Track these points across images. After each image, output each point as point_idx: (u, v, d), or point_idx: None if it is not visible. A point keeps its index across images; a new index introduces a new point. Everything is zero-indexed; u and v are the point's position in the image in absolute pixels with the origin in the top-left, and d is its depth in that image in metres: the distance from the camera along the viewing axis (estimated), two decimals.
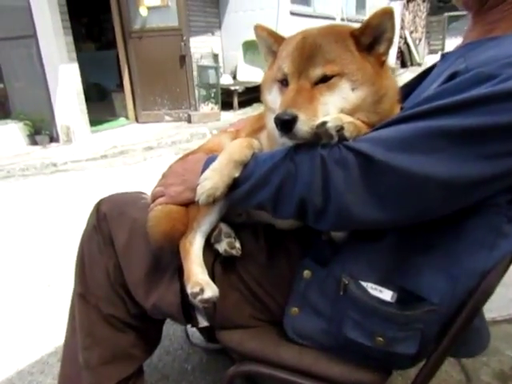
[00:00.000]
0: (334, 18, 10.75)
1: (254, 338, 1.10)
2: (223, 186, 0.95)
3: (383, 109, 0.91)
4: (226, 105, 7.82)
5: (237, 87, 7.92)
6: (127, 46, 6.95)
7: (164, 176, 1.23)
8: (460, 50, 0.99)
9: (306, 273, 1.02)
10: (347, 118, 0.85)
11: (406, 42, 12.76)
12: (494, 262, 0.84)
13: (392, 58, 11.41)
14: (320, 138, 0.84)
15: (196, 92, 7.22)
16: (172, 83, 7.03)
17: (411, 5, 12.85)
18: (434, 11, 17.44)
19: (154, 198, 1.19)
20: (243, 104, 8.25)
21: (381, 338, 0.91)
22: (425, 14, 14.08)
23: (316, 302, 1.01)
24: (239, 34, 8.55)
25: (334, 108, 0.87)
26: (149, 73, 6.95)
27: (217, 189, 0.94)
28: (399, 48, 12.29)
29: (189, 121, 6.95)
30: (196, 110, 7.15)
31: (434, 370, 0.94)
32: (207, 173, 0.97)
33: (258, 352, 1.08)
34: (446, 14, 17.82)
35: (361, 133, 0.85)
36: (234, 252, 1.06)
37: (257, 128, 1.17)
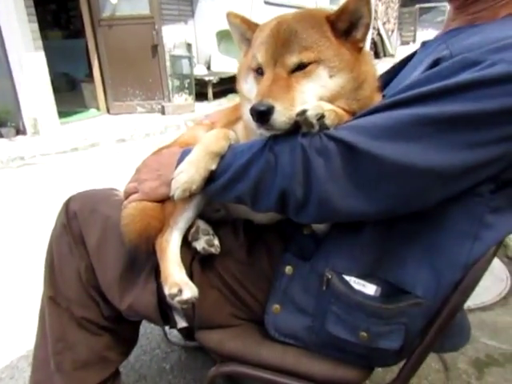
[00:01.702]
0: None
1: (234, 338, 1.07)
2: (199, 180, 0.90)
3: (363, 95, 0.88)
4: (201, 96, 7.69)
5: (211, 78, 7.81)
6: (96, 35, 6.71)
7: (138, 171, 1.17)
8: (441, 37, 0.97)
9: (288, 268, 0.99)
10: (328, 106, 0.82)
11: (379, 33, 12.87)
12: (478, 254, 0.83)
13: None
14: (299, 127, 0.81)
15: (169, 83, 7.06)
16: (144, 73, 6.85)
17: None
18: (405, 3, 17.66)
19: (128, 194, 1.13)
20: (218, 95, 8.14)
21: (364, 333, 0.90)
22: (397, 5, 14.24)
23: (298, 298, 0.99)
24: (213, 23, 8.40)
25: (312, 96, 0.84)
26: (120, 62, 6.74)
27: (193, 182, 0.90)
28: (372, 39, 12.38)
29: (162, 112, 6.80)
30: (170, 101, 7.00)
31: (418, 365, 0.93)
32: (182, 166, 0.92)
33: (239, 352, 1.04)
34: (418, 6, 18.09)
35: (342, 121, 0.83)
36: (212, 250, 1.02)
37: (233, 119, 1.13)
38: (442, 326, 0.86)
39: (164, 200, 1.07)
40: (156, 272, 1.07)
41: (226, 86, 8.39)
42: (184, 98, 7.18)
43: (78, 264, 1.16)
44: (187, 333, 1.69)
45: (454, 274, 0.85)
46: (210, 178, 0.91)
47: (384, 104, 0.79)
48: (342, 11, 0.85)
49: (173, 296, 0.93)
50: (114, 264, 1.11)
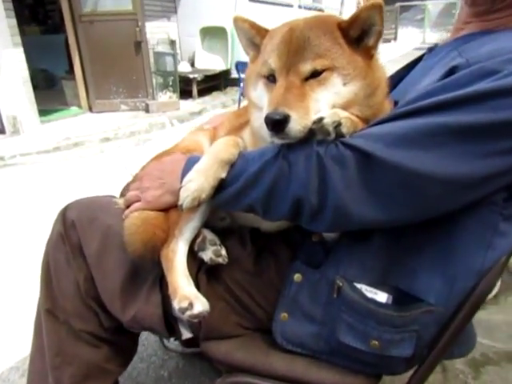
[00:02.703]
0: (291, 6, 10.72)
1: (241, 348, 1.05)
2: (209, 188, 0.88)
3: (376, 102, 0.88)
4: (185, 93, 7.60)
5: (196, 75, 7.72)
6: (77, 31, 6.53)
7: (138, 178, 1.14)
8: (451, 43, 0.97)
9: (297, 276, 0.98)
10: (344, 114, 0.81)
11: None
12: (492, 262, 0.83)
13: None
14: (314, 134, 0.80)
15: (153, 80, 6.95)
16: (127, 71, 6.72)
17: None
18: (386, 1, 17.84)
19: (129, 203, 1.10)
20: (202, 92, 8.07)
21: (376, 342, 0.89)
22: None
23: (307, 306, 0.98)
24: (197, 20, 8.31)
25: (326, 104, 0.83)
26: (102, 59, 6.59)
27: (202, 191, 0.88)
28: None
29: (146, 110, 6.69)
30: (154, 98, 6.89)
31: (429, 372, 0.93)
32: (191, 174, 0.90)
33: (247, 362, 1.03)
34: (398, 4, 18.31)
35: (357, 128, 0.82)
36: (220, 260, 1.00)
37: (237, 125, 1.11)
38: (455, 333, 0.86)
39: (168, 209, 1.04)
40: (160, 282, 1.04)
41: (211, 83, 8.32)
42: (168, 96, 7.08)
43: (76, 275, 1.13)
44: (186, 340, 1.67)
45: (467, 282, 0.85)
46: (220, 186, 0.89)
47: (400, 112, 0.79)
48: (355, 19, 0.84)
49: (183, 310, 0.91)
50: (115, 274, 1.08)
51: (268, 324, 1.03)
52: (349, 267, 0.92)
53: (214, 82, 8.46)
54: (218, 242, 1.02)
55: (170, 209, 1.04)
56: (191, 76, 7.69)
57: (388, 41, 16.98)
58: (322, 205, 0.79)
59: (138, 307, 1.06)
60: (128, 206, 1.10)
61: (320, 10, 12.82)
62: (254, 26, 0.95)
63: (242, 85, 6.08)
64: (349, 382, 0.98)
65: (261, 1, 9.04)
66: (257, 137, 0.96)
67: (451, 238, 0.85)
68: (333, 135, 0.79)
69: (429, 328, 0.89)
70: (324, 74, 0.83)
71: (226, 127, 1.16)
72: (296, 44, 0.83)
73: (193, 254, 1.03)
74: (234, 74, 8.44)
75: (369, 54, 0.87)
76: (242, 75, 6.03)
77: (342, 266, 0.93)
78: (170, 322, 1.07)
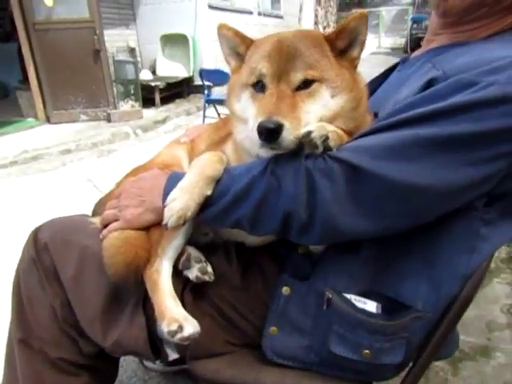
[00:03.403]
0: (251, 12, 10.80)
1: (231, 366, 1.03)
2: (194, 206, 0.86)
3: (359, 114, 0.89)
4: (148, 101, 7.45)
5: (158, 83, 7.60)
6: (31, 39, 6.26)
7: (114, 196, 1.09)
8: (424, 55, 1.00)
9: (285, 289, 0.97)
10: (330, 127, 0.81)
11: None
12: (476, 266, 0.86)
13: None
14: (302, 148, 0.80)
15: (114, 89, 6.78)
16: (87, 80, 6.51)
17: (323, 1, 13.35)
18: (341, 7, 18.38)
19: (106, 222, 1.06)
20: (165, 100, 7.95)
21: (367, 351, 0.90)
22: (335, 9, 14.74)
23: (296, 319, 0.97)
24: (156, 28, 8.19)
25: (315, 116, 0.83)
26: (59, 69, 6.34)
27: (188, 209, 0.86)
28: None
29: (108, 120, 6.50)
30: (115, 107, 6.71)
31: (420, 376, 0.94)
32: (175, 192, 0.87)
33: (238, 380, 1.01)
34: (354, 11, 18.87)
35: (343, 141, 0.83)
36: (206, 278, 0.97)
37: (217, 139, 1.09)
38: (444, 336, 0.88)
39: (148, 227, 1.01)
40: (143, 304, 1.00)
41: (174, 90, 8.22)
42: (130, 105, 6.92)
43: (51, 301, 1.07)
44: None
45: (453, 286, 0.87)
46: (205, 202, 0.87)
47: (384, 124, 0.80)
48: (342, 30, 0.85)
49: (173, 333, 0.88)
50: (94, 298, 1.03)
51: (257, 339, 1.01)
52: (337, 278, 0.92)
53: (177, 90, 8.36)
54: (203, 258, 1.00)
55: (151, 227, 1.01)
56: (153, 84, 7.56)
57: None
58: (312, 218, 0.79)
59: (121, 331, 1.01)
60: (105, 226, 1.06)
61: (279, 16, 13.01)
62: (238, 34, 0.94)
63: (206, 92, 6.05)
64: None
65: (221, 8, 9.05)
66: (240, 150, 0.95)
67: (435, 244, 0.87)
68: (321, 149, 0.79)
69: (417, 333, 0.91)
70: (314, 86, 0.83)
71: (204, 141, 1.14)
72: (287, 53, 0.83)
73: (177, 272, 1.00)
74: (197, 81, 8.38)
75: (353, 65, 0.88)
76: (207, 82, 6.01)
77: (330, 277, 0.93)
78: (154, 344, 1.03)
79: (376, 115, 0.94)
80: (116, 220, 1.03)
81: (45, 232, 1.10)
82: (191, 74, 8.40)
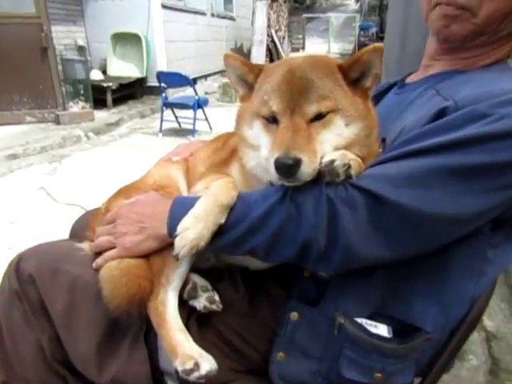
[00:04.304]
0: (204, 13, 10.69)
1: None
2: (208, 235, 0.83)
3: (372, 141, 0.90)
4: (99, 103, 7.13)
5: (110, 83, 7.30)
6: None
7: (107, 221, 1.02)
8: (425, 81, 1.02)
9: (293, 315, 0.95)
10: (351, 155, 0.82)
11: (272, 40, 13.37)
12: (483, 288, 0.89)
13: (262, 57, 11.86)
14: (322, 176, 0.79)
15: (63, 89, 6.41)
16: (33, 79, 6.09)
17: (275, 5, 13.47)
18: (291, 12, 18.69)
19: (100, 249, 0.99)
20: (118, 101, 7.66)
21: (379, 374, 0.90)
22: (286, 13, 14.92)
23: (304, 344, 0.96)
24: (107, 25, 7.85)
25: (330, 146, 0.83)
26: (2, 67, 5.89)
27: (201, 239, 0.82)
28: (267, 45, 12.82)
29: (57, 122, 6.13)
30: (65, 109, 6.35)
31: None
32: (188, 220, 0.83)
33: None
34: (304, 15, 19.31)
35: (361, 169, 0.83)
36: (214, 307, 0.94)
37: (219, 161, 1.05)
38: (452, 355, 0.91)
39: (147, 255, 0.95)
40: (145, 336, 0.95)
41: (126, 91, 7.93)
42: (81, 106, 6.58)
43: (38, 336, 0.99)
44: None
45: (461, 308, 0.90)
46: (218, 230, 0.84)
47: (401, 152, 0.81)
48: (355, 61, 0.85)
49: (188, 372, 0.83)
50: (88, 333, 0.96)
51: (261, 365, 0.99)
52: (348, 303, 0.92)
53: (130, 91, 8.08)
54: (209, 287, 0.96)
55: (150, 254, 0.96)
56: (105, 84, 7.25)
57: (297, 50, 17.76)
58: (331, 247, 0.79)
59: (119, 366, 0.95)
60: (98, 253, 0.99)
61: (232, 18, 12.99)
62: (245, 63, 0.92)
63: (164, 94, 5.90)
64: None
65: (174, 8, 8.87)
66: (250, 176, 0.93)
67: (444, 268, 0.89)
68: (342, 177, 0.79)
69: (426, 353, 0.93)
70: (328, 116, 0.82)
71: (203, 161, 1.10)
72: (299, 85, 0.81)
73: (181, 301, 0.95)
74: (151, 83, 8.17)
75: (366, 95, 0.88)
76: (163, 84, 5.85)
77: (340, 301, 0.92)
78: (156, 378, 0.98)
79: (383, 140, 0.95)
80: (111, 247, 0.97)
81: (28, 262, 1.00)
82: (144, 74, 8.15)
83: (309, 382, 0.97)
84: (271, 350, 0.97)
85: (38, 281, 0.98)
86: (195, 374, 0.83)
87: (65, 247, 1.08)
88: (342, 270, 0.89)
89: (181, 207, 0.89)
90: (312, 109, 0.81)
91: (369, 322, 0.92)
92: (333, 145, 0.83)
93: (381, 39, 13.73)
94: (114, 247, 0.97)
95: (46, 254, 1.04)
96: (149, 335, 0.96)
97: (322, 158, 0.80)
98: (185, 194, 1.07)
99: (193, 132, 5.90)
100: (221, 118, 6.98)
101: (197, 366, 0.84)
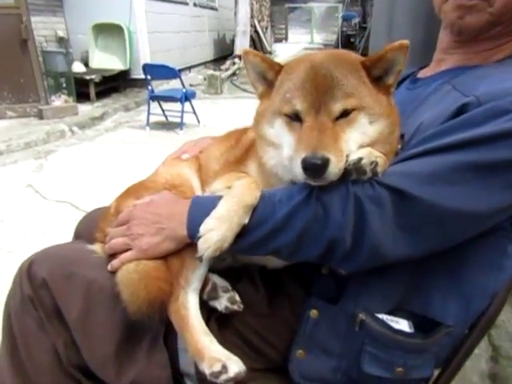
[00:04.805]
0: (186, 3, 10.52)
1: None
2: (232, 236, 0.82)
3: (394, 138, 0.89)
4: (82, 96, 6.96)
5: (93, 76, 7.13)
6: None
7: (120, 222, 1.00)
8: (439, 75, 1.02)
9: (313, 312, 0.95)
10: (377, 153, 0.81)
11: (256, 31, 13.26)
12: (503, 282, 0.91)
13: (245, 48, 11.75)
14: (349, 174, 0.79)
15: (44, 82, 6.24)
16: (13, 72, 5.90)
17: None
18: (273, 1, 18.57)
19: (114, 251, 0.97)
20: (101, 95, 7.49)
21: (401, 369, 0.91)
22: (269, 3, 14.80)
23: (324, 341, 0.96)
24: (87, 16, 7.63)
25: (355, 144, 0.82)
26: None
27: (225, 240, 0.81)
28: (251, 36, 12.71)
29: (40, 116, 5.97)
30: (47, 103, 6.18)
31: None
32: (211, 222, 0.82)
33: None
34: (286, 5, 19.18)
35: (386, 166, 0.83)
36: (235, 307, 0.93)
37: (233, 159, 1.04)
38: (470, 350, 0.93)
39: (164, 256, 0.94)
40: (165, 339, 0.93)
41: (110, 84, 7.77)
42: (64, 100, 6.42)
43: (54, 342, 0.96)
44: None
45: (481, 303, 0.92)
46: (241, 231, 0.83)
47: (425, 149, 0.81)
48: (379, 59, 0.84)
49: (216, 375, 0.82)
50: (105, 336, 0.95)
51: (280, 363, 0.99)
52: (368, 299, 0.92)
53: (113, 84, 7.91)
54: (229, 287, 0.95)
55: (168, 256, 0.94)
56: (88, 77, 7.08)
57: (280, 40, 17.69)
58: (357, 245, 0.79)
59: (138, 370, 0.94)
60: (112, 256, 0.97)
61: (214, 8, 12.82)
62: (265, 60, 0.90)
63: (150, 87, 5.79)
64: None
65: None
66: (269, 175, 0.91)
67: (464, 262, 0.91)
68: (369, 174, 0.78)
69: (446, 347, 0.95)
70: (353, 114, 0.81)
71: (216, 160, 1.08)
72: (323, 82, 0.80)
73: (200, 302, 0.94)
74: (134, 75, 8.02)
75: (388, 92, 0.88)
76: (149, 77, 5.75)
77: (361, 298, 0.93)
78: (175, 379, 0.97)
79: (401, 136, 0.95)
80: (126, 249, 0.95)
81: (40, 266, 0.98)
82: (127, 66, 7.99)
83: (329, 379, 0.97)
84: (290, 348, 0.97)
85: (52, 285, 0.95)
86: (223, 377, 0.83)
87: (76, 250, 1.05)
88: (366, 268, 0.90)
89: (200, 208, 0.87)
90: (337, 107, 0.80)
91: (389, 317, 0.92)
92: (358, 143, 0.82)
93: (363, 29, 13.76)
94: (129, 249, 0.95)
95: (58, 257, 1.01)
96: (168, 337, 0.95)
97: (347, 156, 0.79)
98: (198, 193, 1.06)
99: (181, 125, 5.83)
100: (207, 110, 6.92)
101: (225, 368, 0.83)
